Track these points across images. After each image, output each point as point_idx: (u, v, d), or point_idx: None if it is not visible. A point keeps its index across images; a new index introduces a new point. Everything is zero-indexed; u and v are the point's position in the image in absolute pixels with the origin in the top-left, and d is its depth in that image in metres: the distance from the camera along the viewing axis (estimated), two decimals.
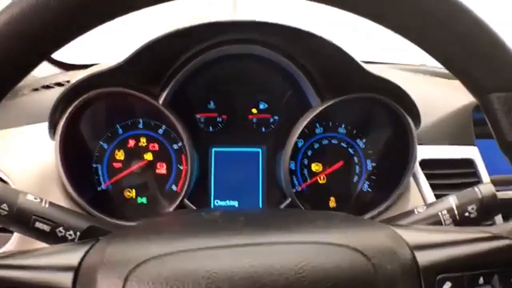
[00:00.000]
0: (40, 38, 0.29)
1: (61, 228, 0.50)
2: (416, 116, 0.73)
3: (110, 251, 0.33)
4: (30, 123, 0.79)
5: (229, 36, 0.73)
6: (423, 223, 0.55)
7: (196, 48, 0.73)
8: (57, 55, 1.14)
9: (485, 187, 0.56)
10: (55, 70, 1.14)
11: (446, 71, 0.36)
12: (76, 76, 1.06)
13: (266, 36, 0.73)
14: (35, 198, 0.51)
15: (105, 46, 1.28)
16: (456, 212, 0.54)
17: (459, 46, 0.33)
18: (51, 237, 0.50)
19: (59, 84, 0.96)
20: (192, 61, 0.74)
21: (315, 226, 0.39)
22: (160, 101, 0.73)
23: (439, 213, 0.55)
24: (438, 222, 0.55)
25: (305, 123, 0.75)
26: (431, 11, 0.32)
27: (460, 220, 0.54)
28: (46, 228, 0.50)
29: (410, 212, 0.58)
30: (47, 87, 0.94)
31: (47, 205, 0.51)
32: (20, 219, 0.50)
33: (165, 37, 0.65)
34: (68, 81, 0.97)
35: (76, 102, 0.69)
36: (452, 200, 0.55)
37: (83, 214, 0.56)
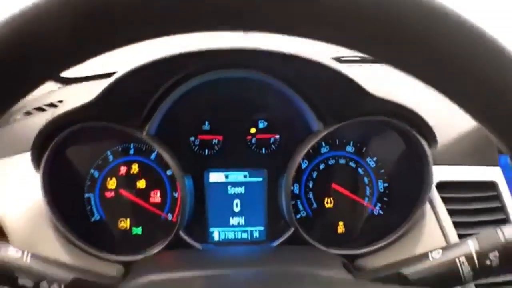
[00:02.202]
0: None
1: (44, 283, 0.49)
2: (431, 138, 0.67)
3: None
4: (24, 152, 0.76)
5: (219, 62, 0.67)
6: (438, 271, 0.50)
7: (183, 73, 0.67)
8: None
9: (510, 230, 0.49)
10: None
11: None
12: (73, 94, 1.03)
13: (260, 62, 0.67)
14: (17, 251, 0.50)
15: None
16: (476, 260, 0.48)
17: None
18: None
19: (52, 105, 0.92)
20: (179, 87, 0.68)
21: None
22: (144, 132, 0.68)
23: (457, 260, 0.49)
24: (456, 271, 0.49)
25: (307, 148, 0.69)
26: None
27: (480, 269, 0.48)
28: (29, 283, 0.49)
29: (424, 257, 0.52)
30: (40, 109, 0.91)
31: (28, 259, 0.50)
32: (2, 277, 0.49)
33: (145, 66, 0.59)
34: (61, 101, 0.93)
35: (56, 139, 0.64)
36: (471, 245, 0.49)
37: (67, 265, 0.55)
